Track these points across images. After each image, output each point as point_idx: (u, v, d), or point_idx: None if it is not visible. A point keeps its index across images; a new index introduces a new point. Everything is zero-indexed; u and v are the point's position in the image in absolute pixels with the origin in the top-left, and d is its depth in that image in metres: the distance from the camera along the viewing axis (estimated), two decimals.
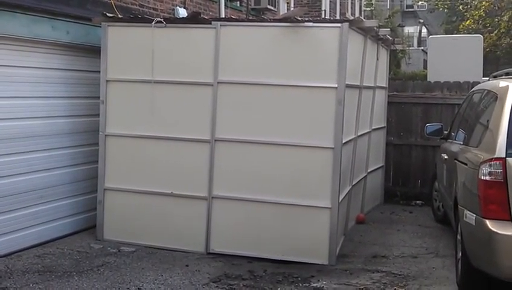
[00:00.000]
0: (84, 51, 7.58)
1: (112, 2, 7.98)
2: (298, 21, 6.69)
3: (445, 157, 7.44)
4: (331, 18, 18.06)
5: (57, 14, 7.06)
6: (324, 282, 6.07)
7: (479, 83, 8.66)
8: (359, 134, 8.11)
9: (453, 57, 12.31)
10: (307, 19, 7.05)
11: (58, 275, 6.07)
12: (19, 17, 6.59)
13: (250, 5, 13.33)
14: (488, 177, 5.09)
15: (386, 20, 23.14)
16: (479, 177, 5.15)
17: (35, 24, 6.81)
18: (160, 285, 5.90)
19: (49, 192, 7.25)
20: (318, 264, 6.59)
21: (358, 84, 7.79)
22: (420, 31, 39.09)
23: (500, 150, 5.11)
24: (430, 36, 18.62)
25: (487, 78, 7.82)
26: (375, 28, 7.90)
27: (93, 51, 7.47)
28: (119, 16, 7.60)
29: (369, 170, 9.23)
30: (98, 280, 5.99)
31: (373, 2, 26.70)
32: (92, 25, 7.42)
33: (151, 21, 7.13)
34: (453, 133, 7.69)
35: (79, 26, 7.41)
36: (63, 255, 6.74)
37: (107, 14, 7.37)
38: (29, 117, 6.94)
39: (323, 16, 18.10)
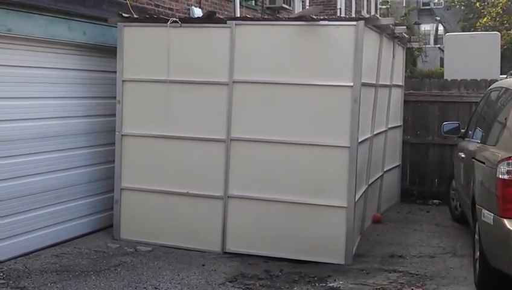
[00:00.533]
0: (100, 51, 7.62)
1: (128, 2, 8.02)
2: (313, 19, 6.67)
3: (463, 156, 7.38)
4: (347, 16, 18.00)
5: (73, 14, 7.10)
6: (341, 282, 6.05)
7: (497, 80, 8.57)
8: (375, 133, 8.07)
9: (470, 55, 12.20)
10: (322, 17, 7.05)
11: (75, 275, 6.11)
12: (36, 18, 6.63)
13: (265, 4, 13.34)
14: (506, 176, 5.05)
15: (402, 18, 23.06)
16: (497, 175, 5.11)
17: (52, 25, 6.85)
18: (177, 284, 5.91)
19: (67, 192, 7.30)
20: (334, 263, 6.56)
21: (374, 82, 7.75)
22: (436, 29, 38.86)
23: None
24: (447, 34, 18.46)
25: (505, 76, 7.74)
26: (391, 26, 7.86)
27: (109, 51, 7.51)
28: (135, 16, 7.63)
29: (385, 169, 9.19)
30: (115, 279, 6.02)
31: None
32: (107, 25, 7.47)
33: (166, 21, 7.15)
34: (470, 132, 7.63)
35: (95, 27, 7.45)
36: (80, 255, 6.79)
37: (123, 14, 7.40)
38: (46, 117, 6.99)
39: (338, 14, 18.05)
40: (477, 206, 5.76)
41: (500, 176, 5.08)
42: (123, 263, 6.55)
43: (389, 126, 9.18)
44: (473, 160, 6.36)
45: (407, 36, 9.45)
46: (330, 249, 6.65)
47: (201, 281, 6.02)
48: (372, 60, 7.46)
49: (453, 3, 32.93)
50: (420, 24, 34.38)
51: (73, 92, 7.37)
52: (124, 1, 8.00)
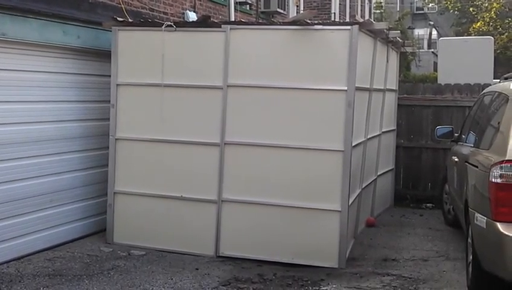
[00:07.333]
0: (94, 55, 7.62)
1: (122, 6, 8.02)
2: (308, 24, 6.69)
3: (456, 160, 7.40)
4: (341, 21, 18.03)
5: (68, 18, 7.10)
6: (334, 285, 6.06)
7: (490, 85, 8.61)
8: (369, 137, 8.09)
9: (463, 59, 12.23)
10: (316, 21, 7.07)
11: (68, 279, 6.10)
12: (31, 22, 6.63)
13: (260, 8, 13.34)
14: (499, 180, 5.06)
15: (396, 23, 23.07)
16: (490, 179, 5.13)
17: (47, 29, 6.85)
18: (170, 288, 5.90)
19: (60, 196, 7.29)
20: (328, 267, 6.57)
21: (368, 86, 7.77)
22: (430, 33, 39.00)
23: (511, 152, 5.08)
24: (441, 38, 18.54)
25: (498, 80, 7.78)
26: (385, 31, 7.89)
27: (104, 55, 7.51)
28: (129, 20, 7.64)
29: (379, 173, 9.21)
30: (108, 283, 6.01)
31: (383, 4, 26.64)
32: (102, 29, 7.47)
33: (161, 25, 7.15)
34: (463, 136, 7.65)
35: (89, 31, 7.45)
36: (73, 259, 6.77)
37: (118, 18, 7.41)
38: (40, 121, 6.99)
39: (332, 19, 18.08)
40: (470, 210, 5.78)
41: (493, 180, 5.10)
42: (116, 267, 6.53)
43: (383, 130, 9.20)
44: (466, 164, 6.38)
45: (401, 40, 9.48)
46: (324, 252, 6.66)
47: (195, 285, 6.02)
48: (366, 64, 7.48)
49: (446, 8, 33.00)
50: (414, 29, 34.48)
51: (67, 95, 7.37)
52: (119, 5, 8.00)
